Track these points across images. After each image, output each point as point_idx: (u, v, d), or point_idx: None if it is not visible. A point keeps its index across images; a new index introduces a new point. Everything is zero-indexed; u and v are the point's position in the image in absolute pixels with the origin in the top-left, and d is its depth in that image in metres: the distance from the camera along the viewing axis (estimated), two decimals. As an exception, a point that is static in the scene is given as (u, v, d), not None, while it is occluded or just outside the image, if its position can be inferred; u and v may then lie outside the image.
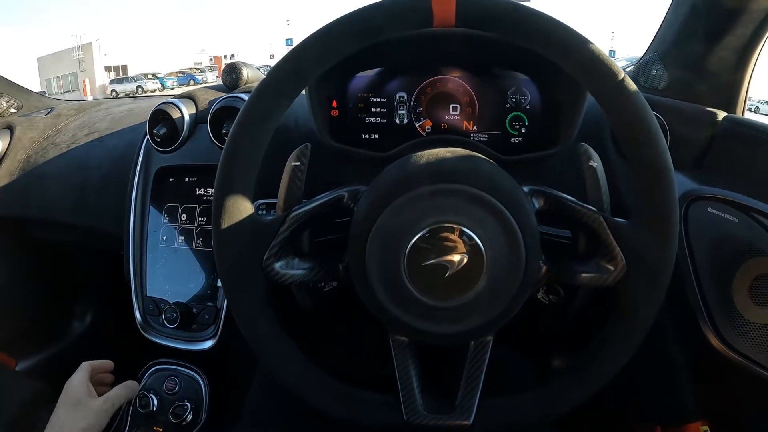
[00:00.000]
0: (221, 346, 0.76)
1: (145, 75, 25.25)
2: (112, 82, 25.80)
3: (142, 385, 0.80)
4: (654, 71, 0.85)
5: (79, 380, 0.70)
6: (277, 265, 0.50)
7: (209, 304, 0.77)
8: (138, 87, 23.37)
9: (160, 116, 0.82)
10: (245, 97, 0.77)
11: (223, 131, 0.77)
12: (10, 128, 1.15)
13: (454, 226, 0.45)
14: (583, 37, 0.46)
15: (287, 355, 0.52)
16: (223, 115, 0.77)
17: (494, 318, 0.48)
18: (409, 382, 0.51)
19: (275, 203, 0.55)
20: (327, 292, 0.66)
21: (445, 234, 0.45)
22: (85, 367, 0.72)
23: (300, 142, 0.54)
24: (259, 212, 0.54)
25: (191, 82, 24.21)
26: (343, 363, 0.54)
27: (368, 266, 0.47)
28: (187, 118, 0.82)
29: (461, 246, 0.45)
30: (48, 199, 1.03)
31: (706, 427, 0.83)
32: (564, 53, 0.46)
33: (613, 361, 0.51)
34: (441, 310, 0.46)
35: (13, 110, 1.23)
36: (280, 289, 0.52)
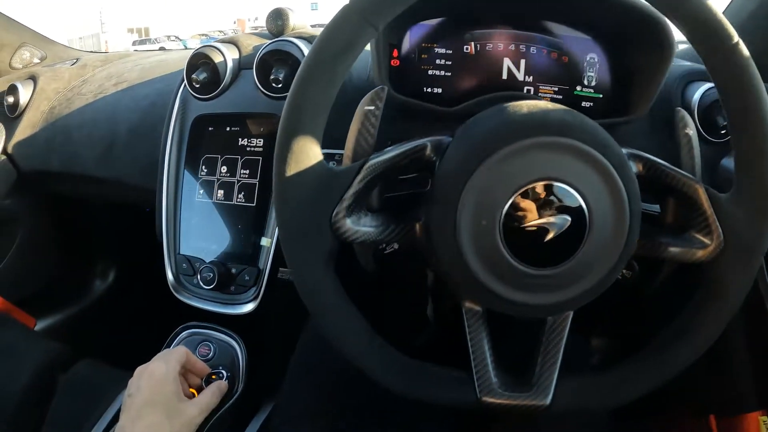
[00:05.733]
0: (261, 311, 0.71)
1: (168, 37, 24.74)
2: (134, 43, 25.22)
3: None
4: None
5: (172, 372, 0.55)
6: (348, 221, 0.44)
7: (250, 264, 0.72)
8: (160, 48, 23.05)
9: (199, 60, 0.75)
10: (298, 41, 0.71)
11: (272, 77, 0.71)
12: (34, 79, 1.10)
13: (561, 184, 0.41)
14: None
15: (353, 325, 0.47)
16: (271, 59, 0.71)
17: (587, 290, 0.44)
18: (483, 355, 0.47)
19: (341, 154, 0.48)
20: (387, 254, 0.61)
21: (549, 193, 0.41)
22: (183, 353, 0.58)
23: (356, 96, 0.48)
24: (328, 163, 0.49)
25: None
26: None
27: (459, 225, 0.42)
28: (230, 63, 0.75)
29: (565, 207, 0.41)
30: (72, 152, 0.98)
31: (765, 417, 0.79)
32: (672, 5, 0.42)
33: (700, 342, 0.48)
34: (534, 278, 0.42)
35: (36, 60, 1.18)
36: (339, 251, 0.47)
